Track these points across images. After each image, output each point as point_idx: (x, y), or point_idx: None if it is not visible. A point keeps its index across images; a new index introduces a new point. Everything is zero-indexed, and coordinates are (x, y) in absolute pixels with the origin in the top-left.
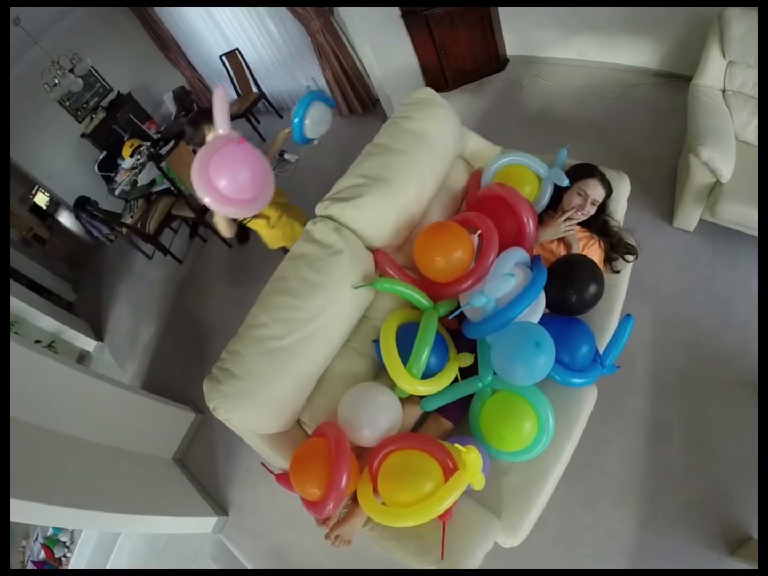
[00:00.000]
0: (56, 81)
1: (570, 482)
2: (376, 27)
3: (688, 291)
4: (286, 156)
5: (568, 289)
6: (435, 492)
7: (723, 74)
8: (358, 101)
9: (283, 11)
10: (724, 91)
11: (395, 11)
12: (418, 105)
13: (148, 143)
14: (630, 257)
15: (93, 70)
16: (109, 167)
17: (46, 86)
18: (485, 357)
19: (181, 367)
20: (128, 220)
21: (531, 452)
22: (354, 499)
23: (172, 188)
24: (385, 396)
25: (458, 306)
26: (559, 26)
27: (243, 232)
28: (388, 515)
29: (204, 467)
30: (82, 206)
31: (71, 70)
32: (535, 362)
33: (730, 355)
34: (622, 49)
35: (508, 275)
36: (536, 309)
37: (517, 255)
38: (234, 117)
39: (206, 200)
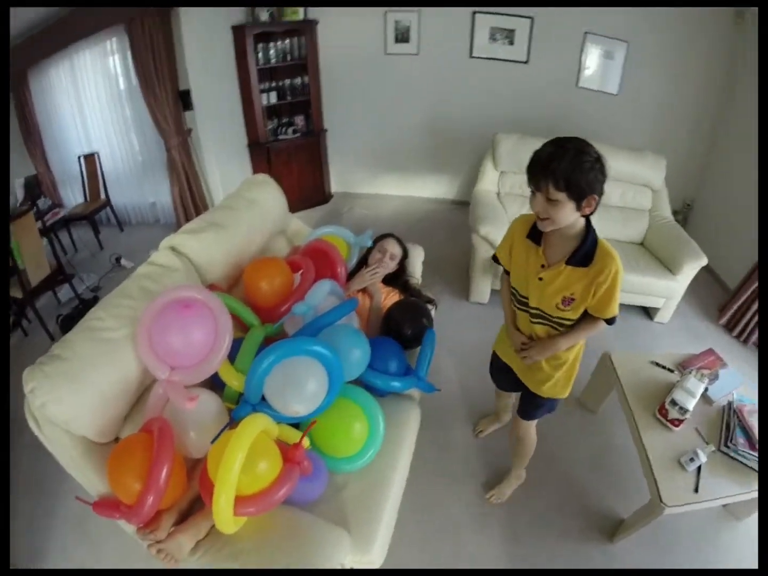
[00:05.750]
0: None
1: (423, 515)
2: (224, 151)
3: (488, 341)
4: (123, 262)
5: (408, 324)
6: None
7: (497, 181)
8: None
9: (149, 124)
10: (498, 193)
11: (243, 140)
12: (256, 184)
13: None
14: (430, 305)
15: None
16: None
17: None
18: None
19: None
20: None
21: (364, 456)
22: (180, 521)
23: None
24: (209, 397)
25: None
26: (371, 167)
27: (68, 324)
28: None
29: None
30: None
31: None
32: (358, 343)
33: None
34: (423, 186)
35: (322, 281)
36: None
37: (331, 284)
38: (78, 218)
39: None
